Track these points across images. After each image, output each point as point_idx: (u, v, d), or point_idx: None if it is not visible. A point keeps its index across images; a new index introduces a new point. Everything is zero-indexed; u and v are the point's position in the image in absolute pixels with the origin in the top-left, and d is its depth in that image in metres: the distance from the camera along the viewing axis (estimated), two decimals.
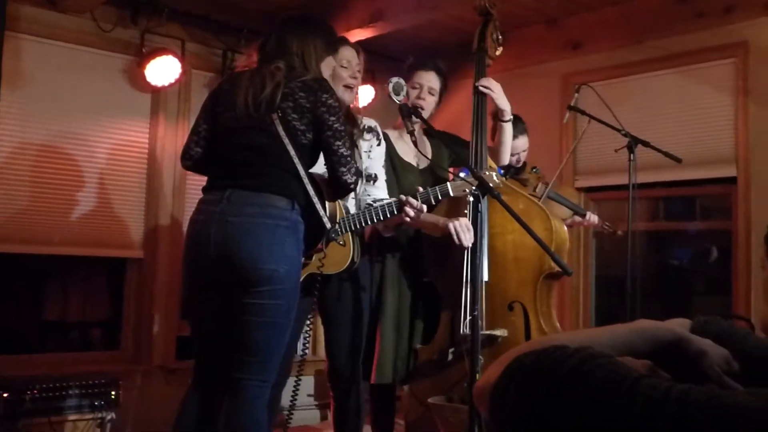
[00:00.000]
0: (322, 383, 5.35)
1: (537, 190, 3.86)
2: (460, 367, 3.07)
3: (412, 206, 3.00)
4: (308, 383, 5.32)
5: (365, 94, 5.46)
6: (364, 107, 5.49)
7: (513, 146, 3.91)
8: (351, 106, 3.37)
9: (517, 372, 0.92)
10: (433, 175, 3.47)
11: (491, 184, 2.76)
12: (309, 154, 2.79)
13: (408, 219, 3.03)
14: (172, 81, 4.60)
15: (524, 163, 4.12)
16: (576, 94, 3.98)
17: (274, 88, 2.71)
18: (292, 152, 2.70)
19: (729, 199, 4.41)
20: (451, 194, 3.00)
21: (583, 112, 3.95)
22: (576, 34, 4.99)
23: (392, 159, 3.42)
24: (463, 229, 3.05)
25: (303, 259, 2.84)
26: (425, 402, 3.16)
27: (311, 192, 2.75)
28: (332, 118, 2.73)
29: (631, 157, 3.66)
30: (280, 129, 2.69)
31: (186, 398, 2.86)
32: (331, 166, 2.77)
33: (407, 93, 3.18)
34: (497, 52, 3.42)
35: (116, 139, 4.62)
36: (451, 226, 3.07)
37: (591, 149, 4.80)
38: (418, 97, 3.39)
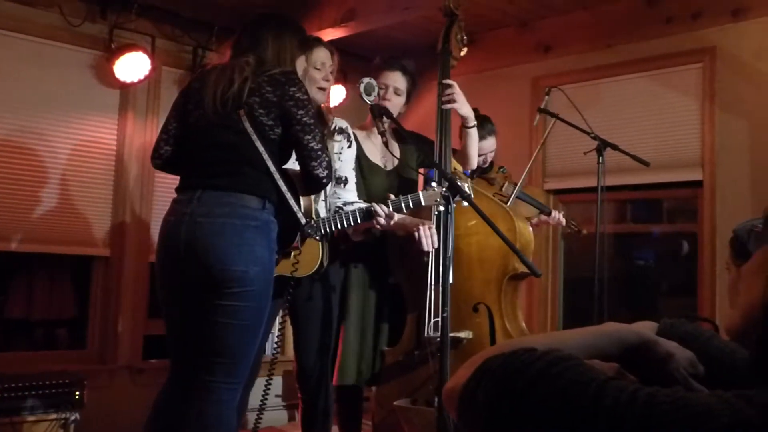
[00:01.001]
0: (289, 384, 5.33)
1: (504, 189, 3.88)
2: (425, 370, 3.07)
3: (382, 215, 3.00)
4: (276, 384, 5.29)
5: (337, 94, 5.45)
6: (335, 107, 5.49)
7: (480, 147, 3.93)
8: (322, 106, 3.36)
9: (486, 374, 0.92)
10: (400, 177, 3.47)
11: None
12: (280, 149, 2.76)
13: (378, 226, 3.04)
14: (142, 77, 4.56)
15: (491, 163, 4.15)
16: (546, 97, 4.01)
17: (241, 84, 2.67)
18: (261, 149, 2.67)
19: (695, 202, 4.47)
20: (423, 204, 3.00)
21: (553, 115, 3.98)
22: (546, 37, 5.03)
23: (359, 160, 3.40)
24: (428, 233, 3.06)
25: (278, 256, 2.83)
26: (391, 404, 3.16)
27: (283, 188, 2.72)
28: (300, 112, 2.69)
29: (600, 160, 3.70)
30: (247, 125, 2.66)
31: (159, 398, 2.84)
32: (302, 160, 2.74)
33: (378, 93, 3.18)
34: (462, 53, 3.42)
35: (83, 135, 4.57)
36: (415, 229, 3.08)
37: (560, 152, 4.84)
38: (384, 98, 3.38)
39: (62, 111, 4.46)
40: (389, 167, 3.45)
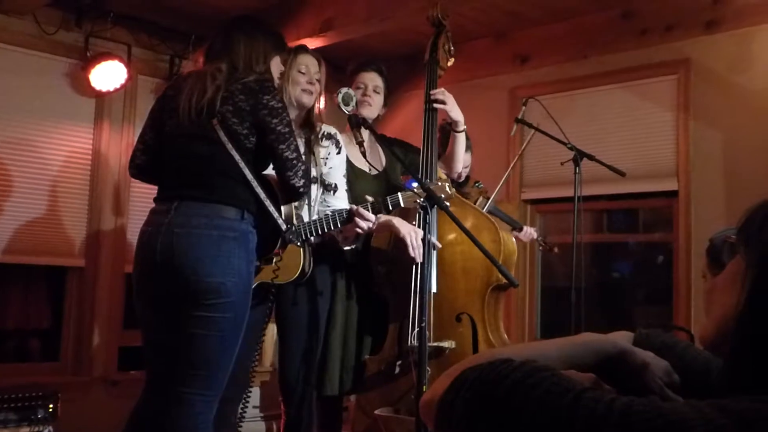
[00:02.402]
0: (267, 394, 5.31)
1: (478, 204, 3.90)
2: (407, 379, 3.06)
3: (362, 217, 2.98)
4: (254, 395, 5.26)
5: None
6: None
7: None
8: (315, 111, 3.34)
9: (463, 385, 0.92)
10: (387, 182, 3.47)
11: (442, 195, 2.76)
12: (256, 157, 2.74)
13: (360, 231, 3.02)
14: (118, 86, 4.53)
15: (467, 177, 4.16)
16: (523, 107, 4.03)
17: (214, 92, 2.65)
18: (237, 158, 2.65)
19: (670, 212, 4.51)
20: (402, 205, 3.00)
21: (530, 125, 4.00)
22: (524, 48, 5.06)
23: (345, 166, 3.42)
24: (418, 242, 3.04)
25: (258, 263, 2.81)
26: (372, 413, 3.15)
27: (262, 196, 2.70)
28: (275, 121, 2.67)
29: (577, 170, 3.72)
30: (221, 135, 2.64)
31: (134, 411, 2.81)
32: (278, 170, 2.73)
33: (356, 103, 3.18)
34: (449, 63, 3.44)
35: (58, 144, 4.53)
36: (408, 237, 3.06)
37: (537, 162, 4.87)
38: (364, 95, 3.38)
39: (37, 120, 4.42)
40: (374, 172, 3.45)
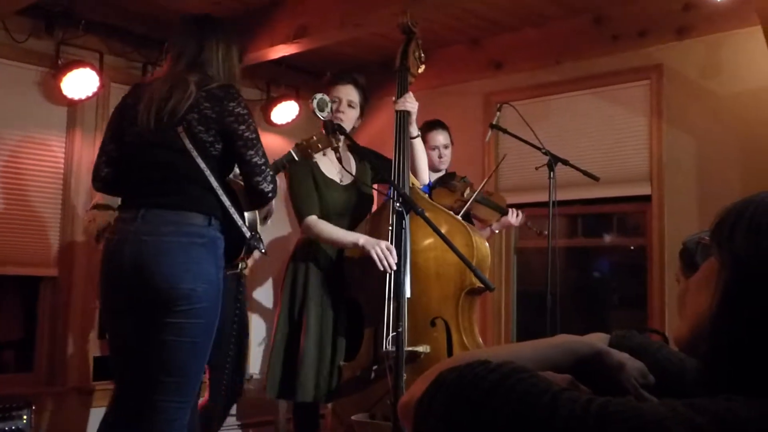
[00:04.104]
0: (244, 403, 5.28)
1: (465, 195, 3.92)
2: (383, 384, 3.06)
3: None
4: None
5: (288, 111, 5.44)
6: (288, 123, 5.48)
7: (432, 139, 4.03)
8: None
9: (441, 388, 0.92)
10: (357, 191, 3.47)
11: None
12: (221, 164, 2.73)
13: None
14: (90, 94, 4.48)
15: (453, 173, 4.18)
16: (498, 113, 4.05)
17: (178, 100, 2.63)
18: (203, 165, 2.63)
19: (644, 216, 4.55)
20: (296, 158, 3.06)
21: (504, 131, 4.02)
22: (497, 54, 5.09)
23: (315, 175, 3.41)
24: (385, 254, 3.07)
25: (228, 270, 2.81)
26: (348, 420, 3.14)
27: (227, 203, 2.69)
28: (242, 127, 2.65)
29: (551, 175, 3.75)
30: (187, 143, 2.62)
31: (105, 420, 2.78)
32: (246, 175, 2.72)
33: (331, 109, 3.19)
34: (420, 70, 3.45)
35: (30, 153, 4.47)
36: (373, 253, 3.09)
37: (512, 167, 4.89)
38: (337, 110, 3.40)
39: (8, 129, 4.37)
40: (345, 182, 3.45)
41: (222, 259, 2.70)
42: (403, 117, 3.30)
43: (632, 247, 4.89)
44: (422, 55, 3.44)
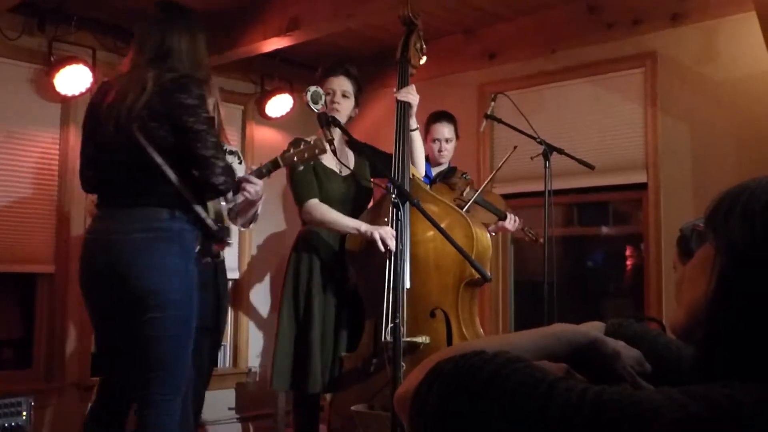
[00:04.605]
0: (242, 396, 5.28)
1: (465, 194, 3.92)
2: (383, 375, 3.08)
3: (248, 182, 3.07)
4: (229, 396, 5.24)
5: (283, 104, 5.43)
6: (282, 117, 5.47)
7: (435, 131, 4.04)
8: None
9: (436, 379, 0.92)
10: (356, 183, 3.48)
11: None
12: (181, 157, 2.69)
13: (248, 196, 3.09)
14: (83, 90, 4.47)
15: (455, 168, 4.17)
16: (492, 103, 4.04)
17: (132, 100, 2.62)
18: (160, 160, 2.63)
19: (640, 204, 4.55)
20: (281, 165, 3.10)
21: (499, 121, 4.02)
22: (491, 44, 5.08)
23: (315, 166, 3.42)
24: (387, 236, 3.09)
25: (210, 259, 2.83)
26: (347, 411, 3.16)
27: (187, 196, 2.68)
28: (190, 119, 2.61)
29: (547, 165, 3.74)
30: (142, 140, 2.62)
31: (91, 413, 2.81)
32: (194, 168, 2.68)
33: (325, 101, 3.19)
34: (421, 62, 3.47)
35: (24, 150, 4.46)
36: (375, 234, 3.10)
37: (508, 155, 4.87)
38: (332, 102, 3.41)
39: (1, 126, 4.36)
40: (345, 173, 3.46)
41: (191, 250, 2.71)
42: (403, 108, 3.32)
43: (628, 235, 4.89)
44: (424, 46, 3.45)
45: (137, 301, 2.59)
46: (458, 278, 3.16)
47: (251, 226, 3.59)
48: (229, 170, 2.71)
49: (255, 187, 3.11)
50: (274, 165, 3.12)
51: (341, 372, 3.31)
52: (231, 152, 3.54)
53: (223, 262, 3.66)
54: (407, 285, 3.07)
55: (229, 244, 2.89)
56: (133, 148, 2.63)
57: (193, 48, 2.77)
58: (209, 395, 5.05)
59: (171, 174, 2.64)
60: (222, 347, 5.37)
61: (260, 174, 3.14)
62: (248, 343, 5.42)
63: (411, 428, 0.94)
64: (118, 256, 2.60)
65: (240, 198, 3.16)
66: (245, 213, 3.42)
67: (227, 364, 5.39)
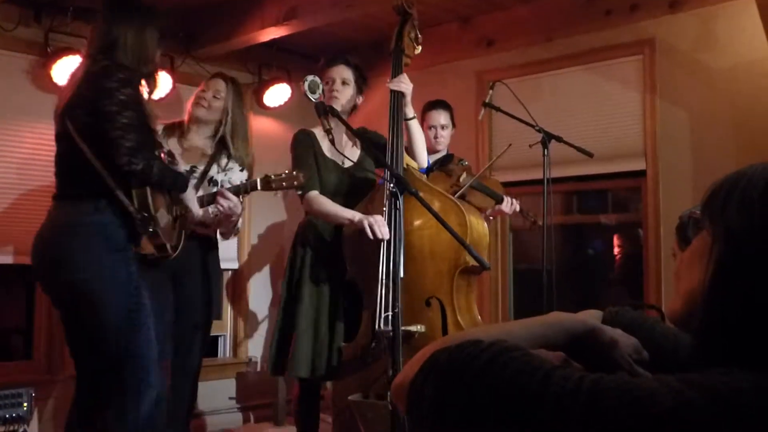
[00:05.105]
0: (243, 386, 5.30)
1: (462, 180, 3.91)
2: (380, 364, 3.08)
3: (223, 196, 3.17)
4: (229, 386, 5.25)
5: (281, 93, 5.42)
6: (281, 106, 5.46)
7: (430, 118, 4.05)
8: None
9: (433, 368, 0.92)
10: (358, 174, 3.49)
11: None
12: (102, 143, 2.65)
13: (220, 209, 3.20)
14: None
15: (452, 155, 4.16)
16: (490, 91, 4.03)
17: (69, 91, 2.64)
18: (86, 149, 2.62)
19: (639, 191, 4.55)
20: (259, 189, 3.24)
21: (497, 109, 4.01)
22: (489, 32, 5.06)
23: (316, 157, 3.45)
24: (378, 224, 3.10)
25: (140, 248, 2.82)
26: (346, 400, 3.18)
27: (111, 185, 2.65)
28: (104, 101, 2.58)
29: (545, 153, 3.73)
30: (72, 129, 2.62)
31: (73, 406, 2.82)
32: (106, 151, 2.62)
33: (323, 91, 3.20)
34: (416, 51, 3.46)
35: (23, 141, 4.45)
36: (365, 222, 3.11)
37: (505, 145, 4.86)
38: (332, 90, 3.42)
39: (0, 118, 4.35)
40: (348, 164, 3.46)
41: (116, 241, 2.67)
42: (396, 97, 3.31)
43: (628, 223, 4.89)
44: (419, 36, 3.44)
45: (66, 294, 2.60)
46: (453, 266, 3.17)
47: (232, 236, 3.64)
48: (135, 150, 2.60)
49: (228, 202, 3.19)
50: (252, 187, 3.25)
51: (340, 362, 3.32)
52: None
53: (216, 254, 3.65)
54: (401, 274, 3.08)
55: (150, 234, 2.75)
56: (66, 138, 2.64)
57: (139, 42, 2.75)
58: (210, 385, 5.09)
59: (96, 163, 2.61)
60: (222, 337, 5.39)
61: (237, 191, 3.23)
62: (248, 333, 5.43)
63: (409, 417, 0.95)
64: (44, 252, 2.63)
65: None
66: (224, 224, 3.47)
67: (227, 354, 5.40)
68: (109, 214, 2.65)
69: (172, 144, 3.54)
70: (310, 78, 3.05)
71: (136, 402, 2.63)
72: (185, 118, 3.63)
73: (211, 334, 5.28)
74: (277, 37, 4.71)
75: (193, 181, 3.26)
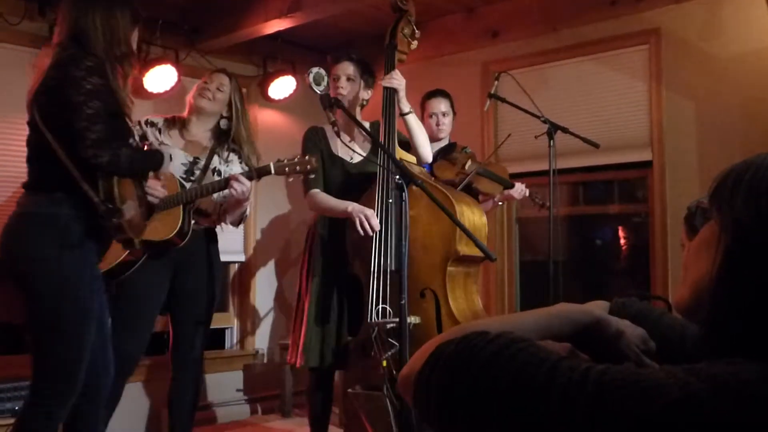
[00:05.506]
0: (250, 377, 5.31)
1: (467, 167, 3.91)
2: (377, 356, 3.12)
3: (237, 180, 3.21)
4: (237, 378, 5.27)
5: (286, 86, 5.41)
6: (285, 99, 5.45)
7: (430, 106, 4.07)
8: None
9: (439, 360, 0.91)
10: (361, 170, 3.50)
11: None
12: (68, 133, 2.59)
13: (234, 193, 3.24)
14: None
15: (454, 143, 4.15)
16: (495, 82, 4.03)
17: (36, 80, 2.59)
18: (50, 138, 2.56)
19: (645, 182, 4.53)
20: (273, 173, 3.28)
21: (503, 100, 4.00)
22: (494, 22, 5.04)
23: (322, 154, 3.50)
24: (364, 216, 3.19)
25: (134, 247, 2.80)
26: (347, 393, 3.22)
27: (76, 176, 2.57)
28: (71, 91, 2.51)
29: (551, 143, 3.72)
30: (37, 117, 2.58)
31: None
32: (72, 143, 2.56)
33: (327, 83, 3.23)
34: (411, 47, 3.48)
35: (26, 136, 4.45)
36: (356, 217, 3.19)
37: (512, 136, 4.85)
38: (337, 87, 3.45)
39: (3, 112, 4.35)
40: (356, 159, 3.48)
41: (70, 235, 2.59)
42: (389, 94, 3.35)
43: (634, 214, 4.88)
44: (415, 31, 3.45)
45: (18, 286, 2.57)
46: (445, 257, 3.19)
47: (241, 226, 3.65)
48: (101, 142, 2.53)
49: (242, 186, 3.22)
50: (265, 171, 3.29)
51: (347, 354, 3.35)
52: (152, 123, 3.52)
53: (216, 246, 3.66)
54: (392, 267, 3.12)
55: (115, 225, 2.63)
56: (34, 127, 2.60)
57: (109, 24, 2.67)
58: (217, 377, 5.10)
59: (61, 153, 2.55)
60: (228, 329, 5.41)
61: (250, 176, 3.27)
62: (255, 325, 5.45)
63: (415, 409, 0.95)
64: (2, 243, 2.60)
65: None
66: (232, 211, 3.48)
67: (234, 346, 5.42)
68: (66, 207, 2.58)
69: (174, 136, 3.54)
70: (315, 70, 3.06)
71: (56, 410, 2.58)
72: (185, 110, 3.63)
73: (218, 326, 5.34)
74: (281, 29, 4.70)
75: (173, 155, 3.24)
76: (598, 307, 1.22)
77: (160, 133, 3.51)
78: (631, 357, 1.08)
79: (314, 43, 5.38)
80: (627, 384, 0.80)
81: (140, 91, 4.61)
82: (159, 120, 3.55)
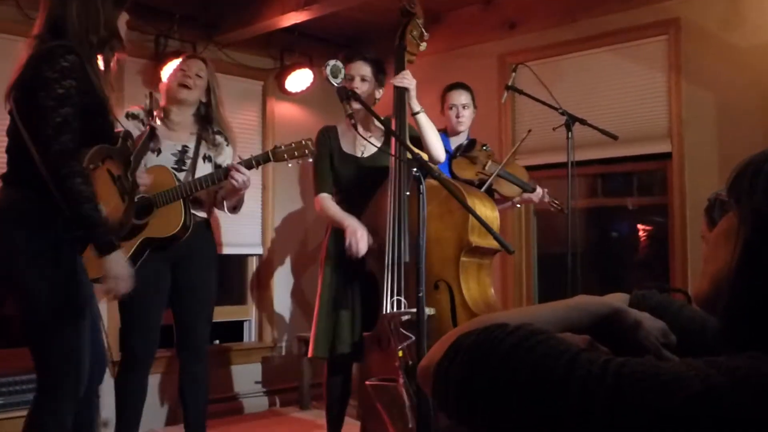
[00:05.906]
0: (269, 369, 5.34)
1: (487, 168, 3.90)
2: (393, 348, 3.14)
3: (237, 170, 3.29)
4: (255, 370, 5.30)
5: (303, 79, 5.41)
6: (303, 92, 5.46)
7: (450, 98, 4.09)
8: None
9: (459, 352, 0.92)
10: (373, 166, 3.50)
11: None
12: None
13: (235, 184, 3.32)
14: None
15: (474, 140, 4.14)
16: (513, 74, 4.00)
17: (14, 72, 2.53)
18: (26, 135, 2.49)
19: (664, 174, 4.50)
20: (272, 160, 3.37)
21: (520, 92, 3.98)
22: (511, 14, 5.02)
23: (332, 152, 3.54)
24: (354, 239, 3.29)
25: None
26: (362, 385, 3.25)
27: (46, 175, 2.46)
28: (41, 93, 2.42)
29: (569, 135, 3.70)
30: (14, 112, 2.53)
31: None
32: (35, 148, 2.49)
33: (344, 75, 3.23)
34: (420, 48, 3.52)
35: None
36: (348, 239, 3.31)
37: (529, 128, 4.84)
38: (351, 87, 3.45)
39: None
40: (367, 154, 3.50)
41: (48, 232, 2.51)
42: (400, 93, 3.36)
43: (653, 206, 4.85)
44: (424, 33, 3.49)
45: (7, 288, 2.57)
46: (457, 248, 3.22)
47: (237, 212, 3.71)
48: (63, 154, 2.42)
49: (242, 176, 3.31)
50: (264, 158, 3.37)
51: (363, 345, 3.37)
52: (134, 116, 3.51)
53: (211, 235, 3.67)
54: (406, 259, 3.17)
55: (89, 227, 2.52)
56: (11, 122, 2.56)
57: (86, 9, 2.57)
58: (235, 369, 5.14)
59: (33, 149, 2.48)
60: (247, 322, 5.43)
61: (249, 165, 3.34)
62: (273, 318, 5.47)
63: (435, 401, 0.95)
64: None
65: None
66: (230, 198, 3.57)
67: (253, 339, 5.44)
68: (42, 204, 2.50)
69: (157, 125, 3.51)
70: (332, 63, 3.06)
71: (54, 405, 2.54)
72: (161, 99, 3.62)
73: (237, 319, 5.37)
74: (298, 22, 4.71)
75: (162, 147, 3.43)
76: (617, 300, 1.21)
77: (143, 124, 3.47)
78: (651, 348, 1.07)
79: (331, 36, 5.38)
80: (647, 377, 0.80)
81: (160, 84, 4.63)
82: (140, 111, 3.54)
